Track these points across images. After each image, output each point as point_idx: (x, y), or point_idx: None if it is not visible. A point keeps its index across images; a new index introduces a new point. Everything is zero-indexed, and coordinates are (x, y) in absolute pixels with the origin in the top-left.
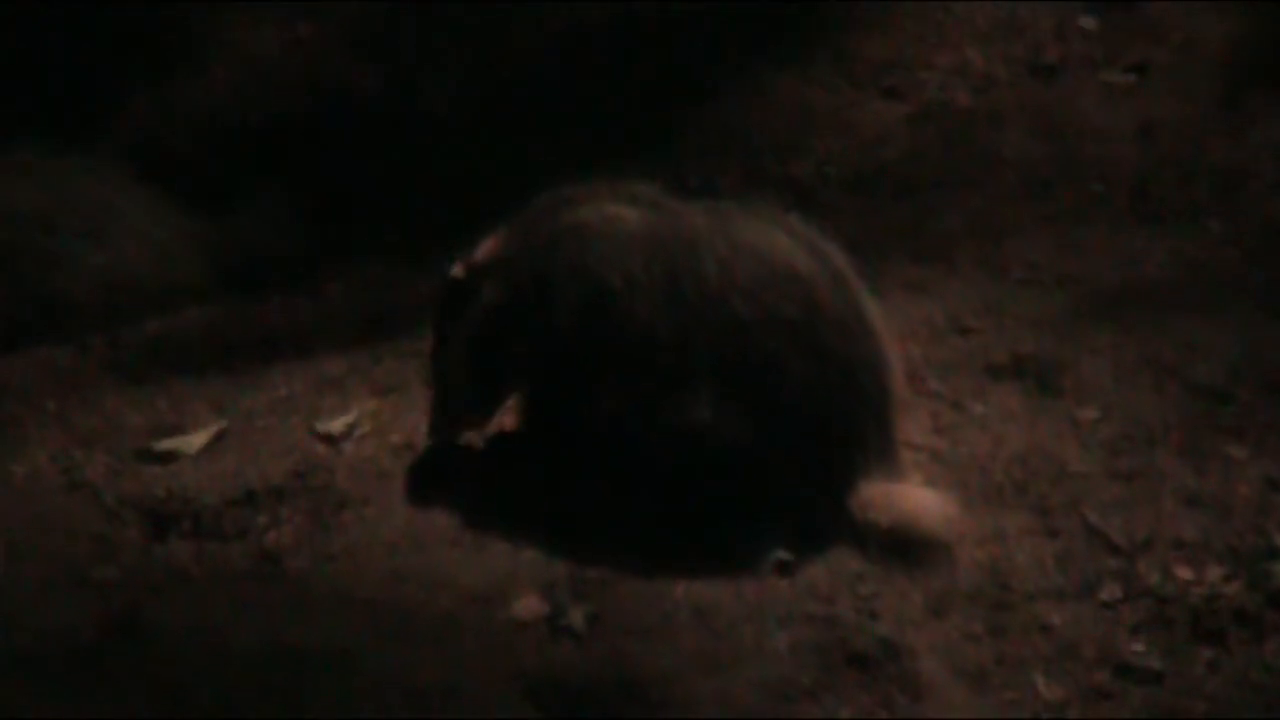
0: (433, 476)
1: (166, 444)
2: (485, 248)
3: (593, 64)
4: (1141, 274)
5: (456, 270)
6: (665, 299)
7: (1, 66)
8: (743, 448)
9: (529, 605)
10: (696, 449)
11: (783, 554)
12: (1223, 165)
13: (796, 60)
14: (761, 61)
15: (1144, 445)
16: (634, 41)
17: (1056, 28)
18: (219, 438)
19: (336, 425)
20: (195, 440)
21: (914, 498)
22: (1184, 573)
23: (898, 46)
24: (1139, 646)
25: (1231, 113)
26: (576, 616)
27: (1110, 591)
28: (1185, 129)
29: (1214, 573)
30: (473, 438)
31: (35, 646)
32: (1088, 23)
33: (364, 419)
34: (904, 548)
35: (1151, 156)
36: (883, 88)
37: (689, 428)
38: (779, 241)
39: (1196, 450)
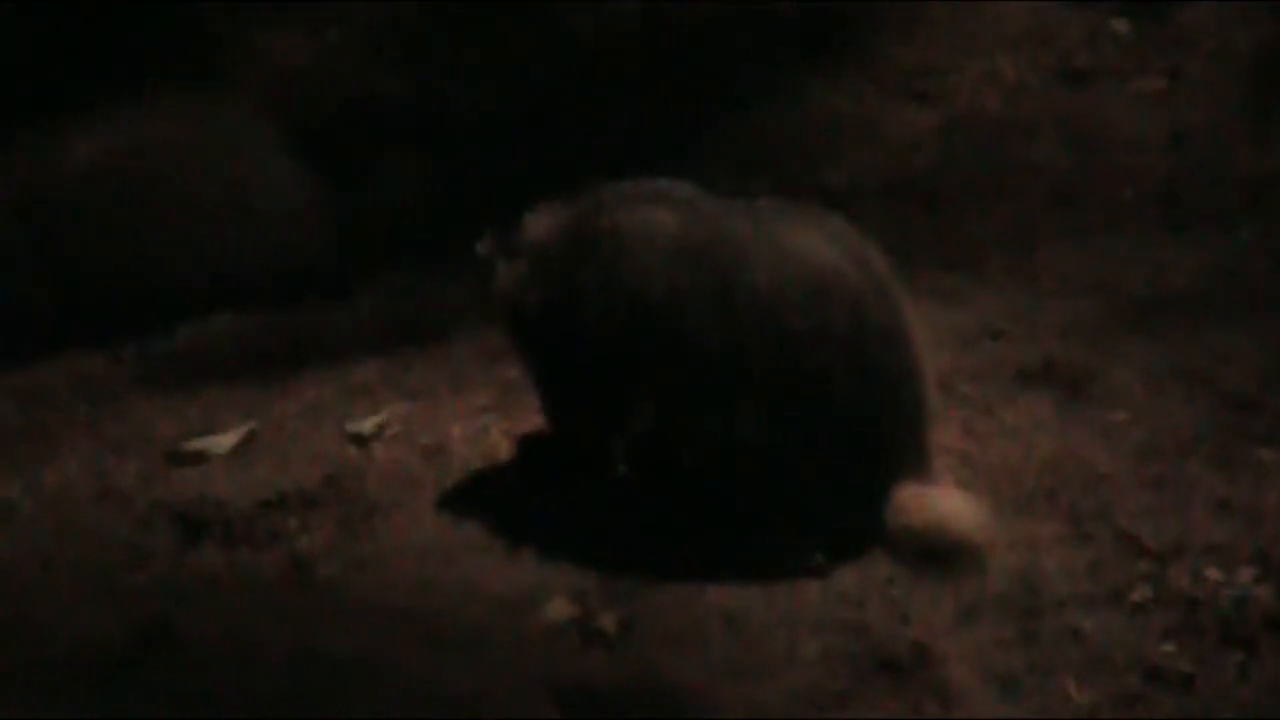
0: (463, 482)
1: (196, 444)
2: (525, 228)
3: (622, 71)
4: (1172, 282)
5: (481, 247)
6: (715, 310)
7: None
8: (785, 461)
9: (559, 612)
10: (739, 463)
11: (817, 559)
12: (1253, 174)
13: (826, 67)
14: (791, 68)
15: (1174, 451)
16: (663, 48)
17: (1087, 34)
18: (249, 440)
19: (367, 429)
20: (225, 440)
21: (945, 504)
22: (1214, 577)
23: (928, 53)
24: (1169, 651)
25: (1261, 121)
26: (607, 623)
27: (1141, 596)
28: (1215, 137)
29: (1244, 577)
30: None
31: (67, 655)
32: (1119, 28)
33: (394, 423)
34: (935, 553)
35: (1182, 165)
36: (913, 95)
37: (735, 443)
38: (827, 249)
39: (1226, 456)
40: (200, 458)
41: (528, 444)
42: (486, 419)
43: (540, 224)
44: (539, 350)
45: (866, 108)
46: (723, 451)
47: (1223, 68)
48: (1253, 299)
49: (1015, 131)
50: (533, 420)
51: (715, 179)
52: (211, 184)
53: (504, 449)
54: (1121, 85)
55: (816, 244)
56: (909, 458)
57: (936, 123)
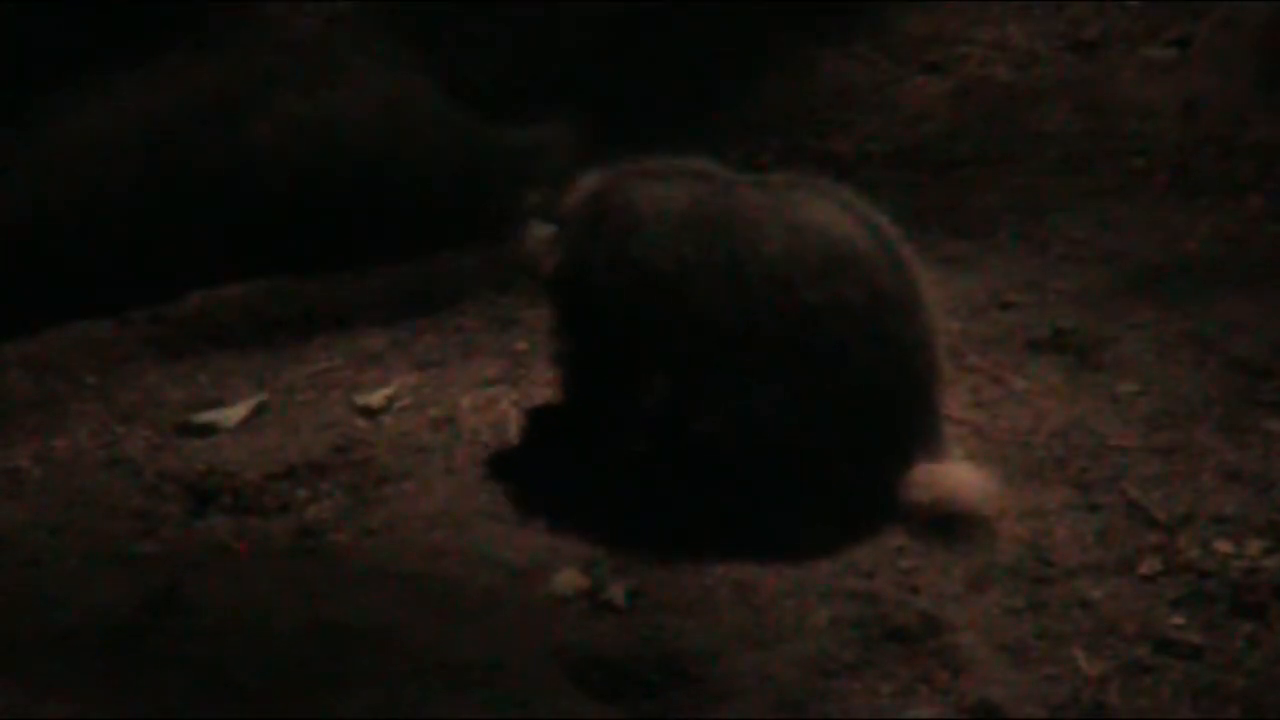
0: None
1: (205, 416)
2: (567, 193)
3: (633, 42)
4: (1182, 249)
5: (531, 198)
6: (728, 283)
7: None
8: (799, 433)
9: (569, 581)
10: (754, 435)
11: (827, 529)
12: (1263, 141)
13: (837, 36)
14: (802, 38)
15: (1184, 420)
16: (674, 19)
17: (1097, 3)
18: (258, 411)
19: (376, 399)
20: (234, 413)
21: (955, 474)
22: (1224, 547)
23: (938, 22)
24: (1179, 621)
25: (1272, 89)
26: (617, 592)
27: (1150, 566)
28: (1226, 105)
29: (1254, 547)
30: None
31: (76, 624)
32: None
33: (404, 393)
34: (945, 523)
35: (1192, 132)
36: (923, 63)
37: (747, 415)
38: (840, 220)
39: (1236, 425)
40: (209, 430)
41: (537, 414)
42: (496, 389)
43: (576, 191)
44: (557, 315)
45: (877, 77)
46: (735, 423)
47: (1233, 36)
48: (1263, 267)
49: (1025, 99)
50: (543, 391)
51: (726, 147)
52: None
53: (513, 419)
54: (1131, 53)
55: (829, 216)
56: (921, 429)
57: (947, 91)
